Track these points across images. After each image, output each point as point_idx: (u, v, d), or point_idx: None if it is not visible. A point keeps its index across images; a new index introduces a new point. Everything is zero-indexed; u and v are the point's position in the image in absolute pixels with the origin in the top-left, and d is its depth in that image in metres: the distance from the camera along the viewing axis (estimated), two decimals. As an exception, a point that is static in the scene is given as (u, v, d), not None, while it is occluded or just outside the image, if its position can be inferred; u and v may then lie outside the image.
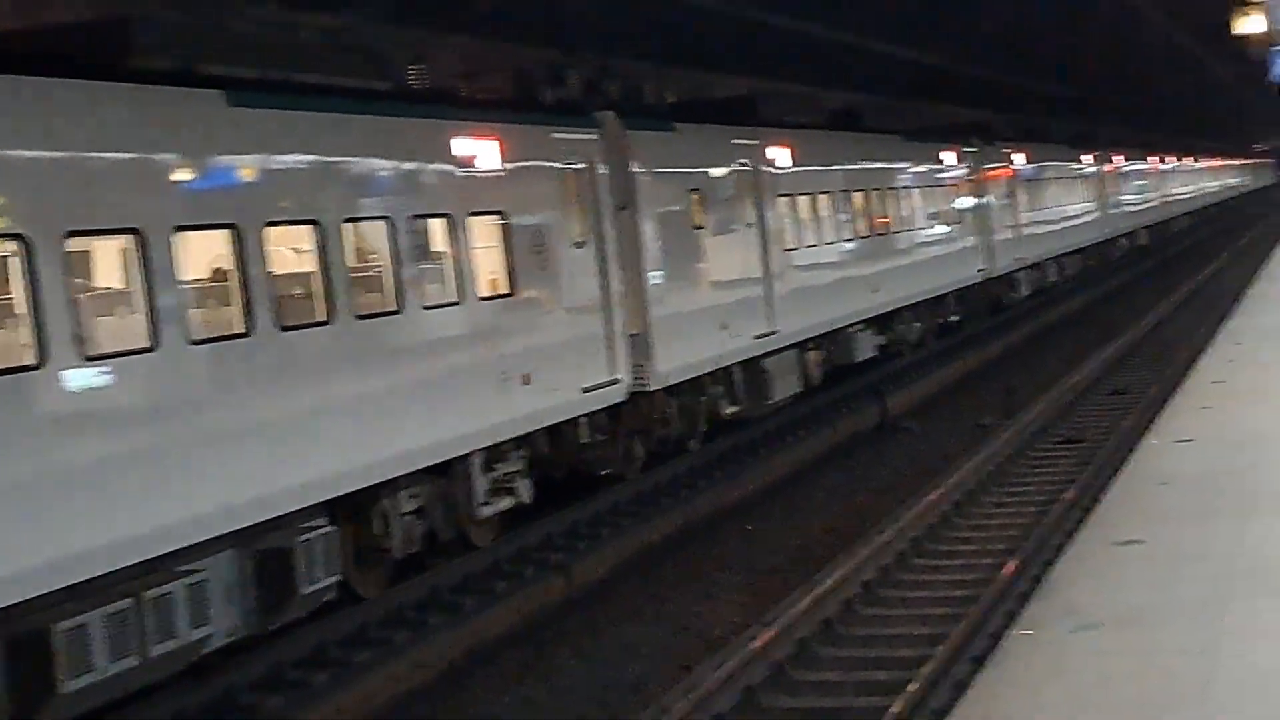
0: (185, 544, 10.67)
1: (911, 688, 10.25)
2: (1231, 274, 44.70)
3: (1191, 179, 77.19)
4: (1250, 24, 27.09)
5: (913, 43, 35.76)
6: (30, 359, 9.66)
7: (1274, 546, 10.26)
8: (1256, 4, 26.07)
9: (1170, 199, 66.94)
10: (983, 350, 31.03)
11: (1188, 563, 10.08)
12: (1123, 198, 52.50)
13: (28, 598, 9.44)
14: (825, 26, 30.88)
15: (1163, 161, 65.49)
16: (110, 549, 10.02)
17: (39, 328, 9.65)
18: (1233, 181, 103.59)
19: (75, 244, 10.18)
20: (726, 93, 26.26)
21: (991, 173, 34.13)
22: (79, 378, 9.93)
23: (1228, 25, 27.90)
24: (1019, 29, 39.50)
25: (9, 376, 9.52)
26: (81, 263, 10.64)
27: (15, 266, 9.73)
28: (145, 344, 10.54)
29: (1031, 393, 24.67)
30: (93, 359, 10.05)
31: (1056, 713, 7.67)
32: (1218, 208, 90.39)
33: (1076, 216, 44.07)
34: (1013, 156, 36.44)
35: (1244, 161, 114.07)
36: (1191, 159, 78.08)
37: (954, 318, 31.54)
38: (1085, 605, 9.39)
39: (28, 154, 9.93)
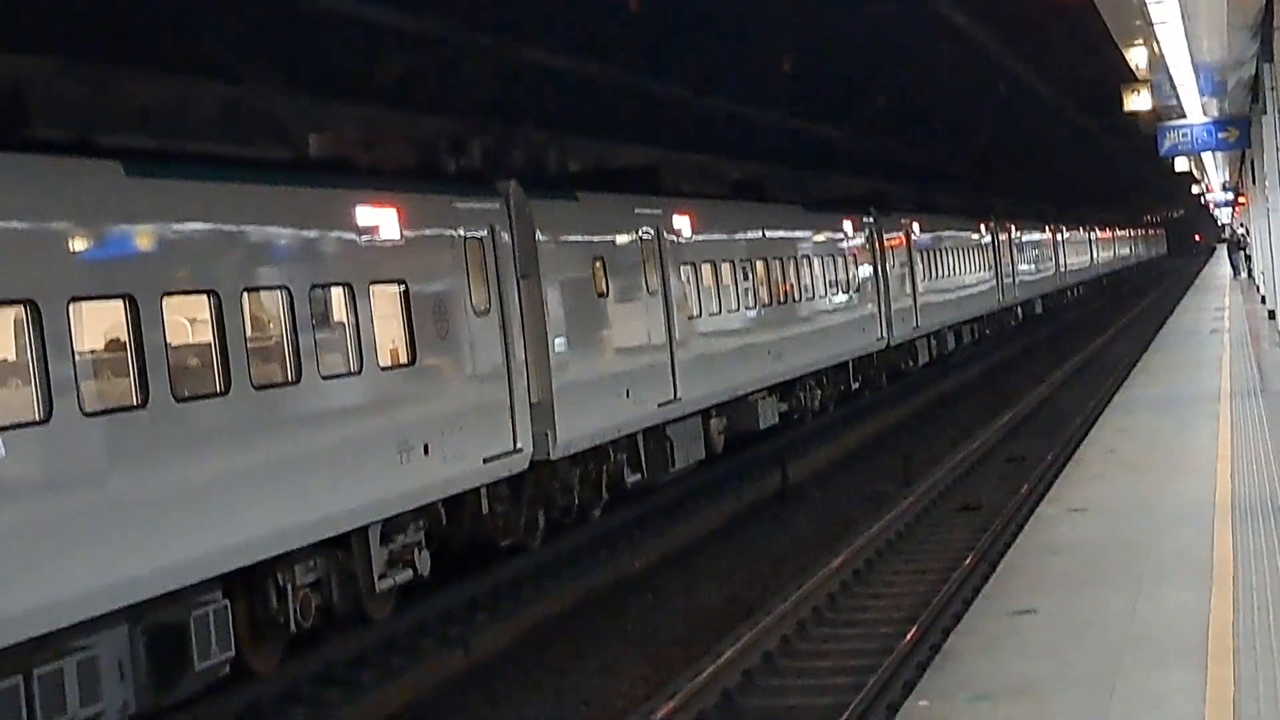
0: (76, 620, 10.49)
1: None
2: (1124, 343, 45.56)
3: (1086, 249, 78.65)
4: (1139, 101, 27.79)
5: (813, 115, 36.35)
6: None
7: (1161, 616, 10.42)
8: (1144, 82, 26.75)
9: (1065, 269, 68.13)
10: (882, 418, 31.34)
11: (1080, 632, 10.21)
12: (1019, 267, 53.38)
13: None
14: (727, 99, 31.31)
15: (1057, 232, 66.67)
16: (-3, 625, 9.82)
17: None
18: (1126, 252, 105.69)
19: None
20: (629, 162, 26.47)
21: (890, 242, 34.59)
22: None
23: (1119, 102, 28.60)
24: (918, 102, 40.26)
25: None
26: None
27: None
28: (38, 416, 10.39)
29: (930, 460, 24.94)
30: (-18, 431, 9.90)
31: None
32: (1111, 277, 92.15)
33: (973, 286, 44.74)
34: (910, 226, 36.97)
35: (1136, 232, 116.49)
36: (1085, 230, 79.58)
37: (854, 385, 31.86)
38: (980, 675, 9.48)
39: None
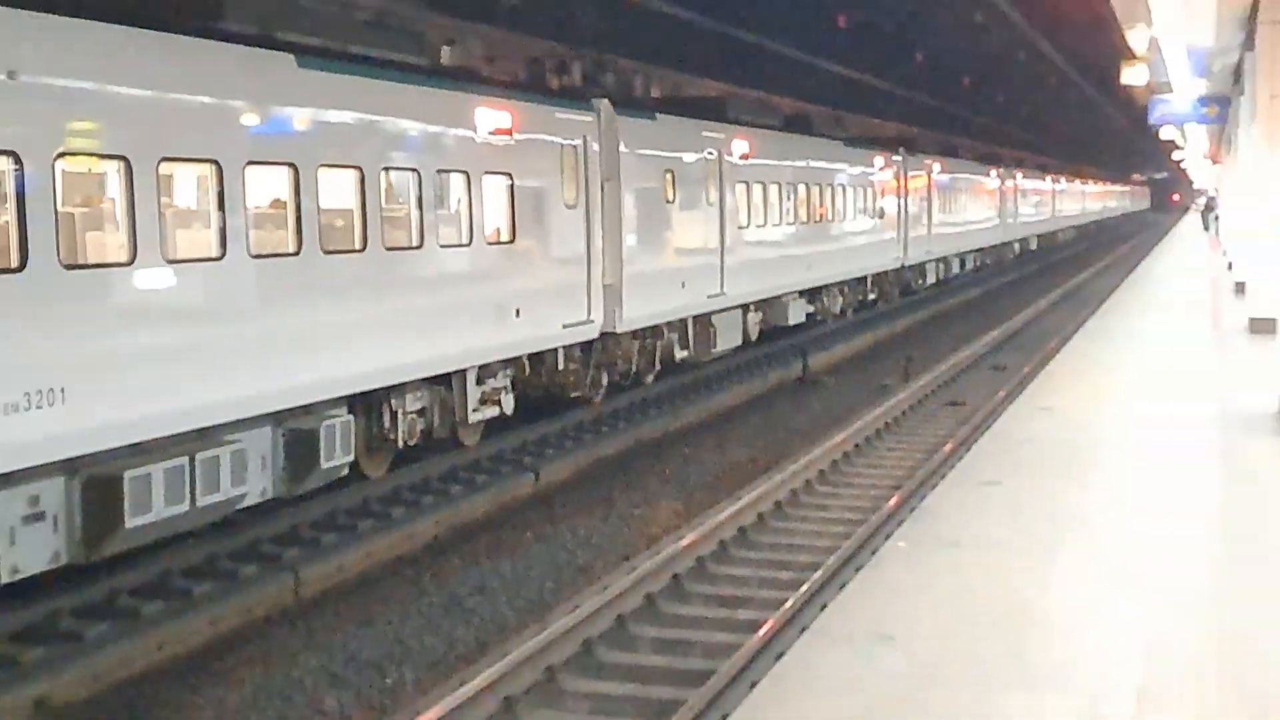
0: (232, 419, 11.04)
1: (804, 588, 10.74)
2: (1101, 281, 45.34)
3: (1078, 199, 77.72)
4: (1135, 75, 27.51)
5: (859, 65, 36.15)
6: (122, 258, 9.98)
7: (1095, 501, 10.81)
8: (1141, 59, 26.49)
9: (1059, 214, 67.47)
10: (891, 325, 31.55)
11: (1035, 504, 10.60)
12: (1020, 209, 53.01)
13: (108, 448, 9.77)
14: (785, 43, 31.24)
15: (1056, 181, 65.92)
16: (170, 416, 10.35)
17: (133, 234, 9.96)
18: (1114, 204, 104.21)
19: (165, 168, 10.46)
20: (700, 92, 26.54)
21: (913, 179, 34.55)
22: (160, 276, 10.27)
23: (1118, 74, 28.34)
24: (946, 61, 39.90)
25: (107, 269, 9.85)
26: (169, 184, 10.91)
27: (114, 183, 10.01)
28: (214, 254, 10.87)
29: (927, 363, 25.22)
30: (171, 262, 10.39)
31: (919, 610, 8.18)
32: (1100, 224, 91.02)
33: (980, 221, 44.58)
34: (931, 167, 36.86)
35: (1125, 188, 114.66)
36: (1080, 182, 78.53)
37: (871, 296, 32.07)
38: (950, 529, 9.89)
39: (131, 91, 10.20)
